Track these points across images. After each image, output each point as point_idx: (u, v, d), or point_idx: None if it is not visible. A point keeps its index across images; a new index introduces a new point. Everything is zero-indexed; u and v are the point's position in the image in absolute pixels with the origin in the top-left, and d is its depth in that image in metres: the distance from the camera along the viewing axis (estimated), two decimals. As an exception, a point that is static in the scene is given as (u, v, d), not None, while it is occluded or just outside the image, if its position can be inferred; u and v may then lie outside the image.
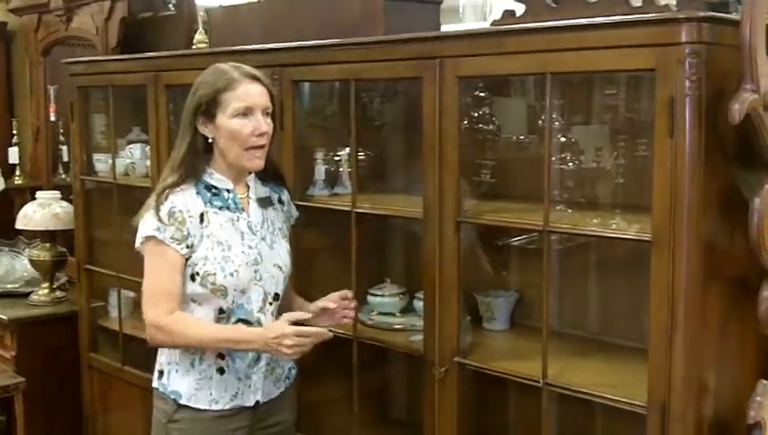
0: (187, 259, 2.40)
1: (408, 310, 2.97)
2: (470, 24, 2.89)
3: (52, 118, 5.06)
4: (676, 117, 1.98)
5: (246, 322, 2.46)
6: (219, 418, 2.46)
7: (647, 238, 2.08)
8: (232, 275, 2.40)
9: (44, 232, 4.29)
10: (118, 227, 3.81)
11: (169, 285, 2.37)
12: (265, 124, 2.42)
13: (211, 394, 2.45)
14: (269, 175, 2.59)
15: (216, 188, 2.46)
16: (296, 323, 2.34)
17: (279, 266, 2.52)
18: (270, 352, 2.36)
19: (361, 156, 3.13)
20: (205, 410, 2.45)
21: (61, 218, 4.24)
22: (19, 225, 4.35)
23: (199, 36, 3.74)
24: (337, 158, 3.08)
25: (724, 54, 2.01)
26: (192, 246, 2.39)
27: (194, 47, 3.71)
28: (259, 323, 2.47)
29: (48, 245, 4.33)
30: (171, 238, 2.37)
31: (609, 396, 2.23)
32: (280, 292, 2.54)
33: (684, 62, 1.96)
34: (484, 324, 2.86)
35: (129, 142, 3.91)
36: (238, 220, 2.47)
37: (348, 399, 2.91)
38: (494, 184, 2.79)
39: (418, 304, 2.80)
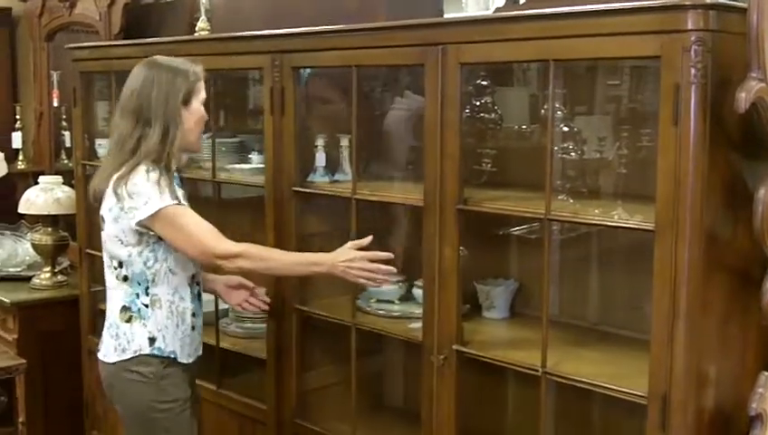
0: None
1: (407, 298, 2.96)
2: (473, 13, 2.86)
3: (55, 103, 5.07)
4: (681, 105, 1.96)
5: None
6: (190, 366, 2.80)
7: (649, 228, 2.07)
8: None
9: (46, 216, 4.30)
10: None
11: (211, 225, 2.65)
12: None
13: (187, 349, 2.77)
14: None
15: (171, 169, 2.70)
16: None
17: None
18: (336, 274, 2.59)
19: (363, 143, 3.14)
20: (184, 362, 2.76)
21: (62, 203, 4.24)
22: (21, 209, 4.36)
23: (202, 24, 3.72)
24: (341, 145, 3.06)
25: (731, 42, 1.99)
26: None
27: (196, 34, 3.69)
28: (199, 292, 2.83)
29: (50, 229, 4.34)
30: (182, 200, 2.65)
31: (609, 386, 2.22)
32: None
33: (689, 50, 1.93)
34: (483, 313, 2.85)
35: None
36: (184, 198, 2.71)
37: (346, 386, 2.90)
38: (496, 173, 2.76)
39: (417, 292, 2.79)
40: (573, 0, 2.27)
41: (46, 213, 4.26)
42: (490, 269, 2.92)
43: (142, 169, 2.60)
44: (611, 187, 2.57)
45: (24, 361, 2.77)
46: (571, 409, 2.64)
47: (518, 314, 2.85)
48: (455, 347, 2.51)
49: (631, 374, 2.20)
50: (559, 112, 2.59)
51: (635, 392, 2.13)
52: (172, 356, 2.71)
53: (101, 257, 3.92)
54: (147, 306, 2.70)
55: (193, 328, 2.77)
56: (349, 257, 2.56)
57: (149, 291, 2.69)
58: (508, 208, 2.51)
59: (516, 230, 2.84)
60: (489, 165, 2.77)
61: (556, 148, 2.58)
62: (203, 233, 2.60)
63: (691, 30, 1.93)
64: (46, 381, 4.10)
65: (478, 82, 2.82)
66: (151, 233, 2.64)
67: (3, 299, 4.20)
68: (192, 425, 2.76)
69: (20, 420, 2.98)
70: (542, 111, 2.52)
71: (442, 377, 2.54)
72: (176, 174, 2.73)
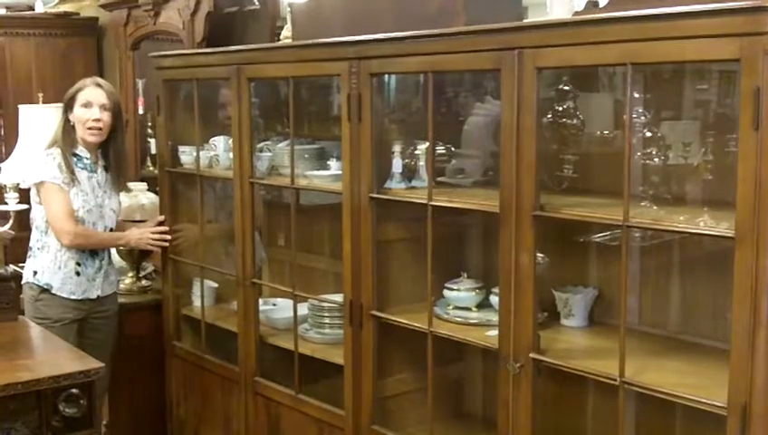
0: None
1: (484, 305, 2.94)
2: (557, 16, 2.83)
3: (141, 111, 5.18)
4: (762, 109, 1.91)
5: None
6: (73, 301, 3.75)
7: (730, 235, 2.02)
8: (87, 211, 3.74)
9: (131, 222, 4.38)
10: (202, 217, 3.88)
11: (70, 208, 3.67)
12: (98, 114, 3.73)
13: (71, 288, 3.74)
14: (108, 157, 3.86)
15: (78, 155, 3.76)
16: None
17: (113, 210, 3.88)
18: (135, 245, 3.97)
19: (441, 149, 3.13)
20: (66, 297, 3.73)
21: (147, 209, 4.31)
22: (107, 215, 4.45)
23: (287, 32, 3.77)
24: (417, 152, 3.06)
25: (814, 44, 1.93)
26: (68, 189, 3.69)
27: (282, 41, 3.74)
28: (92, 250, 3.80)
29: (135, 235, 4.41)
30: (63, 182, 3.65)
31: (688, 396, 2.17)
32: (113, 226, 3.89)
33: (770, 52, 1.89)
34: (562, 321, 2.81)
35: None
36: (91, 178, 3.78)
37: (423, 392, 2.90)
38: (578, 179, 2.73)
39: (495, 299, 2.77)
40: (652, 3, 2.23)
41: (131, 219, 4.34)
42: (569, 276, 2.88)
43: (44, 150, 3.73)
44: (697, 193, 2.51)
45: (102, 365, 2.89)
46: (649, 419, 2.59)
47: (597, 323, 2.81)
48: (531, 355, 2.49)
49: (711, 385, 2.15)
50: (643, 117, 2.55)
51: (714, 403, 2.08)
52: (46, 287, 3.71)
53: (185, 263, 4.05)
54: (39, 249, 3.77)
55: (78, 274, 3.75)
56: (141, 232, 3.94)
57: (43, 238, 3.76)
58: (585, 215, 2.47)
59: (598, 237, 2.79)
60: (571, 171, 2.74)
61: (639, 153, 2.54)
62: (60, 212, 3.65)
63: (772, 32, 1.88)
64: (131, 384, 4.19)
65: (561, 87, 2.79)
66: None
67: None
68: (66, 337, 3.53)
69: (104, 422, 3.08)
70: (625, 116, 2.48)
71: (518, 385, 2.52)
72: (81, 157, 3.75)
